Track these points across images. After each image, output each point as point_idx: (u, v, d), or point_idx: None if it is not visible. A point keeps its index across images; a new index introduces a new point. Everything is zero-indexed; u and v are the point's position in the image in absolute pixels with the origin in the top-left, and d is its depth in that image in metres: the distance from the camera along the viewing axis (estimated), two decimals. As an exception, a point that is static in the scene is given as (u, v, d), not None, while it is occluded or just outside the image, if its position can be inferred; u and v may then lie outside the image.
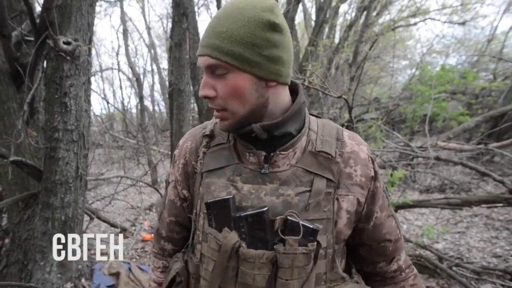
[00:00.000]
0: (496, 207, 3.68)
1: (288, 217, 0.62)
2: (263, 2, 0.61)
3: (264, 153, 0.67)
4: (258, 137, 0.66)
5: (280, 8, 0.64)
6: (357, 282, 0.73)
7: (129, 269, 2.74)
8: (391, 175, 2.40)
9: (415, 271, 0.81)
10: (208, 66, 0.62)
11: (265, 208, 0.63)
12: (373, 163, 0.72)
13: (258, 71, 0.61)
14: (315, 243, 0.62)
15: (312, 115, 0.77)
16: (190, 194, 0.77)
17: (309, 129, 0.71)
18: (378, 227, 0.74)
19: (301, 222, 0.61)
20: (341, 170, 0.68)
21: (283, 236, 0.61)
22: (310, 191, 0.65)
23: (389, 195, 0.78)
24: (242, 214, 0.63)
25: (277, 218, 0.62)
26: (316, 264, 0.64)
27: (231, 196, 0.65)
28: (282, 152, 0.67)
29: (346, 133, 0.73)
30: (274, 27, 0.60)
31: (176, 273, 0.75)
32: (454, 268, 2.66)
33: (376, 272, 0.79)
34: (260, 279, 0.62)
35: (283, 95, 0.68)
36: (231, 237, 0.63)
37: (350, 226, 0.70)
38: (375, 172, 0.72)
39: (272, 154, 0.67)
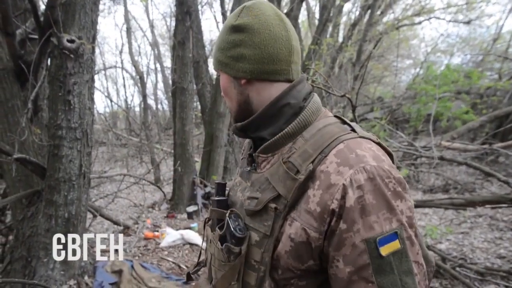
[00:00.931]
0: (500, 207, 3.65)
1: (227, 214, 0.67)
2: (239, 8, 0.69)
3: (248, 153, 0.74)
4: (236, 135, 0.75)
5: (260, 6, 0.66)
6: None
7: (132, 266, 2.75)
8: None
9: None
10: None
11: (223, 198, 0.73)
12: (344, 193, 0.53)
13: (228, 71, 0.68)
14: (238, 248, 0.63)
15: (339, 118, 0.68)
16: None
17: (301, 135, 0.64)
18: (338, 282, 0.56)
19: (228, 221, 0.64)
20: (305, 190, 0.58)
21: (210, 227, 0.73)
22: (257, 199, 0.64)
23: (381, 256, 0.52)
24: (211, 197, 0.79)
25: (214, 209, 0.71)
26: (245, 272, 0.64)
27: (220, 182, 0.76)
28: (261, 155, 0.68)
29: (341, 146, 0.58)
30: (235, 28, 0.66)
31: (201, 250, 0.89)
32: (457, 268, 2.64)
33: None
34: (210, 255, 0.75)
35: (267, 92, 0.66)
36: (209, 213, 0.75)
37: (298, 259, 0.58)
38: (343, 207, 0.53)
39: (254, 155, 0.71)
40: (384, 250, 0.52)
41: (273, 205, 0.60)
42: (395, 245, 0.52)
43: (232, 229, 0.63)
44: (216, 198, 0.73)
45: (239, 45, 0.65)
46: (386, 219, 0.53)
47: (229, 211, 0.67)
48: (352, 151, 0.56)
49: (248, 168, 0.72)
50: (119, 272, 2.63)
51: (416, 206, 2.80)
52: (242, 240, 0.62)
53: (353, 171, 0.54)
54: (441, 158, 3.32)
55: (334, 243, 0.55)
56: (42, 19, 2.23)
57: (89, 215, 3.32)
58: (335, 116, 0.68)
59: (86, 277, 2.55)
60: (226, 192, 0.77)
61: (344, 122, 0.65)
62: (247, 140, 0.84)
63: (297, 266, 0.59)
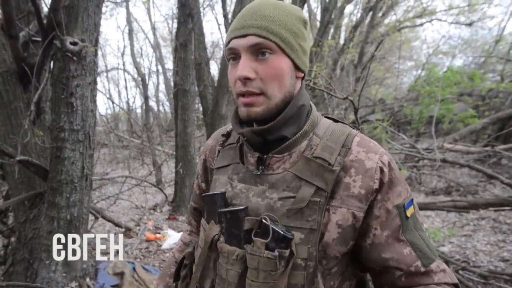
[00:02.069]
0: (503, 210, 3.63)
1: (262, 220, 0.62)
2: (292, 4, 0.69)
3: (257, 155, 0.68)
4: (248, 141, 0.67)
5: None
6: None
7: (134, 269, 2.75)
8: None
9: None
10: (253, 45, 0.62)
11: (242, 207, 0.64)
12: (381, 172, 0.64)
13: (296, 58, 0.65)
14: (288, 250, 0.60)
15: (329, 118, 0.74)
16: (208, 187, 0.85)
17: (313, 133, 0.68)
18: (376, 247, 0.65)
19: (272, 226, 0.59)
20: (340, 180, 0.63)
21: (252, 237, 0.62)
22: (294, 197, 0.63)
23: (409, 217, 0.65)
24: (222, 210, 0.66)
25: (247, 218, 0.63)
26: (291, 274, 0.61)
27: (218, 192, 0.69)
28: (276, 155, 0.67)
29: (358, 138, 0.67)
30: (306, 24, 0.67)
31: (183, 256, 0.82)
32: (460, 272, 2.62)
33: None
34: (232, 275, 0.64)
35: (303, 91, 0.70)
36: (213, 229, 0.67)
37: (343, 242, 0.64)
38: (382, 183, 0.64)
39: (266, 156, 0.68)
40: (408, 213, 0.65)
41: (316, 199, 0.62)
42: (412, 209, 0.66)
43: (281, 232, 0.60)
44: (232, 209, 0.64)
45: (307, 41, 0.68)
46: (405, 189, 0.66)
47: (263, 217, 0.62)
48: (369, 141, 0.68)
49: (258, 172, 0.68)
50: (120, 274, 2.63)
51: (419, 209, 2.79)
52: (291, 241, 0.60)
53: (379, 155, 0.65)
54: (443, 160, 3.30)
55: (373, 214, 0.64)
56: (45, 21, 2.24)
57: (91, 217, 3.33)
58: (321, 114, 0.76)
59: (88, 279, 2.55)
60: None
61: (335, 121, 0.74)
62: (215, 148, 0.79)
63: (343, 250, 0.65)
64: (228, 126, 0.82)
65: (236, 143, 0.75)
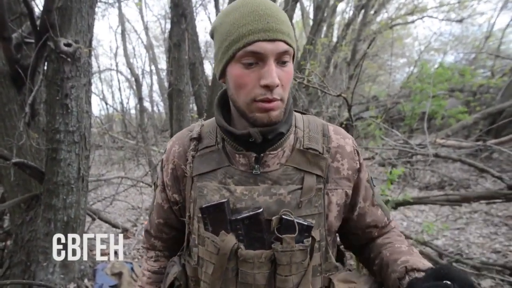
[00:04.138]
0: (495, 203, 3.70)
1: (283, 216, 0.63)
2: None
3: (254, 155, 0.67)
4: (255, 141, 0.65)
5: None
6: (349, 270, 0.75)
7: (132, 269, 2.75)
8: (391, 172, 2.42)
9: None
10: (282, 52, 0.60)
11: (261, 210, 0.64)
12: (358, 154, 0.75)
13: (294, 61, 0.68)
14: (310, 238, 0.64)
15: (296, 111, 0.78)
16: (182, 198, 0.77)
17: (295, 126, 0.73)
18: (361, 216, 0.77)
19: (296, 220, 0.62)
20: (329, 165, 0.71)
21: (280, 235, 0.62)
22: (301, 188, 0.66)
23: (374, 185, 0.80)
24: (238, 217, 0.63)
25: (273, 218, 0.63)
26: (312, 258, 0.66)
27: (225, 200, 0.65)
28: (272, 152, 0.68)
29: (332, 127, 0.76)
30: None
31: (174, 277, 0.75)
32: (454, 264, 2.68)
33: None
34: (260, 278, 0.64)
35: None
36: (229, 239, 0.64)
37: (339, 218, 0.74)
38: (360, 163, 0.75)
39: (262, 154, 0.68)
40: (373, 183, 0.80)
41: (319, 186, 0.68)
42: (369, 176, 0.79)
43: (305, 223, 0.63)
44: (251, 213, 0.63)
45: None
46: (364, 162, 0.78)
47: (283, 213, 0.63)
48: (339, 128, 0.78)
49: (258, 171, 0.67)
50: (119, 275, 2.64)
51: (413, 203, 2.84)
52: (312, 228, 0.65)
53: (351, 140, 0.76)
54: (436, 156, 3.36)
55: (358, 190, 0.75)
56: (38, 23, 2.23)
57: (88, 218, 3.32)
58: None
59: (86, 280, 2.55)
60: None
61: (301, 112, 0.80)
62: (184, 154, 0.74)
63: (338, 224, 0.75)
64: (193, 129, 0.77)
65: (216, 145, 0.72)
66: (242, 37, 0.60)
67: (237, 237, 0.64)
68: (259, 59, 0.60)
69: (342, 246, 0.88)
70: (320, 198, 0.68)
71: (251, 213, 0.63)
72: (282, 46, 0.60)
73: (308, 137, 0.71)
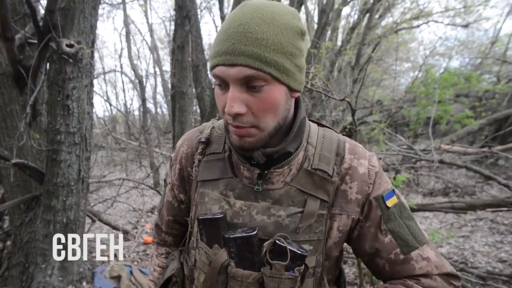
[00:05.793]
0: (501, 211, 3.63)
1: (277, 241, 0.60)
2: (287, 8, 0.58)
3: (258, 171, 0.65)
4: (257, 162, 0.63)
5: None
6: None
7: (131, 272, 2.72)
8: (394, 178, 2.37)
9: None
10: (244, 77, 0.53)
11: (254, 232, 0.61)
12: (375, 176, 0.66)
13: (293, 82, 0.57)
14: (302, 267, 0.60)
15: (313, 121, 0.73)
16: (187, 198, 0.78)
17: (307, 142, 0.67)
18: (361, 238, 0.68)
19: (289, 248, 0.59)
20: (337, 188, 0.65)
21: (270, 261, 0.60)
22: (302, 212, 0.63)
23: (388, 207, 0.66)
24: (231, 236, 0.62)
25: (265, 244, 0.60)
26: (304, 283, 0.62)
27: (221, 216, 0.64)
28: (277, 170, 0.65)
29: (348, 145, 0.68)
30: (303, 35, 0.58)
31: (172, 274, 0.77)
32: (458, 273, 2.62)
33: None
34: None
35: (299, 105, 0.67)
36: (221, 255, 0.63)
37: (340, 244, 0.69)
38: (374, 184, 0.66)
39: (266, 172, 0.65)
40: (388, 203, 0.66)
41: (323, 212, 0.64)
42: (394, 199, 0.67)
43: (298, 251, 0.59)
44: (243, 235, 0.61)
45: (304, 55, 0.59)
46: (385, 182, 0.68)
47: (277, 238, 0.60)
48: (357, 146, 0.69)
49: (260, 188, 0.65)
50: (117, 278, 2.61)
51: (417, 210, 2.79)
52: (305, 257, 0.60)
53: (368, 160, 0.67)
54: (441, 162, 3.31)
55: (362, 211, 0.66)
56: (41, 23, 2.22)
57: (88, 220, 3.30)
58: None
59: (84, 283, 2.53)
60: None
61: (320, 125, 0.74)
62: (191, 156, 0.73)
63: (339, 249, 0.69)
64: (203, 130, 0.75)
65: (223, 153, 0.69)
66: (211, 58, 0.57)
67: (229, 254, 0.63)
68: (224, 83, 0.56)
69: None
70: (321, 224, 0.64)
71: (244, 234, 0.61)
72: (243, 71, 0.52)
73: (319, 156, 0.65)
